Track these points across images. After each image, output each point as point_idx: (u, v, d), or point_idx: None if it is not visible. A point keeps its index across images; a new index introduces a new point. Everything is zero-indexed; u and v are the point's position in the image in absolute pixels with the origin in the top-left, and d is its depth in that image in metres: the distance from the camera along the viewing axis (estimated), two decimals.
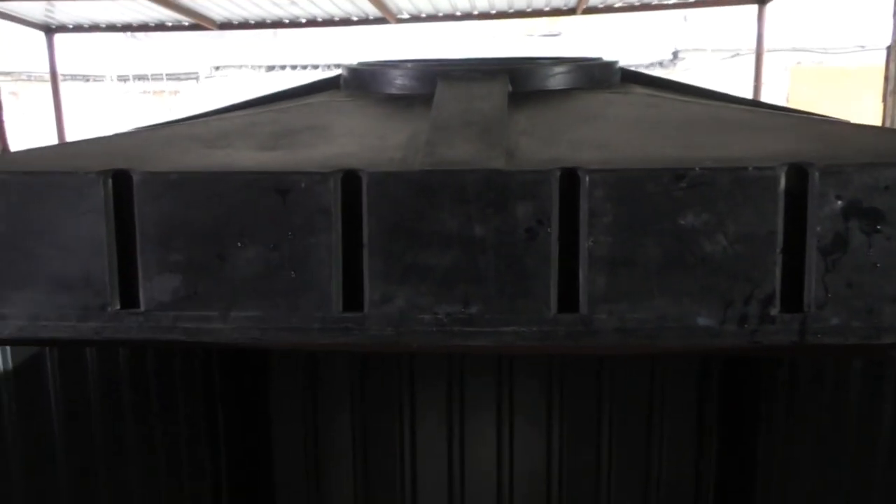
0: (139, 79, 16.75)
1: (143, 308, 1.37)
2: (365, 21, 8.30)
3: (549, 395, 2.92)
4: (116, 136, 1.72)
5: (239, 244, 1.34)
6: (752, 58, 8.27)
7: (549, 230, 1.30)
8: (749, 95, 8.30)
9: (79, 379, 1.96)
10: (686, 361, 2.80)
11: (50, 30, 8.42)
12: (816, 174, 1.29)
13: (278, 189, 1.32)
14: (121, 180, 1.34)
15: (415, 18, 8.32)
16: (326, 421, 3.01)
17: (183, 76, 16.89)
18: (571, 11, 7.98)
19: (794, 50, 14.38)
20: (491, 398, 2.97)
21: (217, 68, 16.85)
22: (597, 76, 1.86)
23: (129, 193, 1.35)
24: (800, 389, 2.25)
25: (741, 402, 2.67)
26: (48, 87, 8.97)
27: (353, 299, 1.34)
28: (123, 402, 2.13)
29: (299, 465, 3.01)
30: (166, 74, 16.67)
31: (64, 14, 7.93)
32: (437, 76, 1.75)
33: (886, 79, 4.49)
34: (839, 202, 1.29)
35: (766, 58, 8.35)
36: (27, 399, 1.78)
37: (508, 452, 3.02)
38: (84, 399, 1.98)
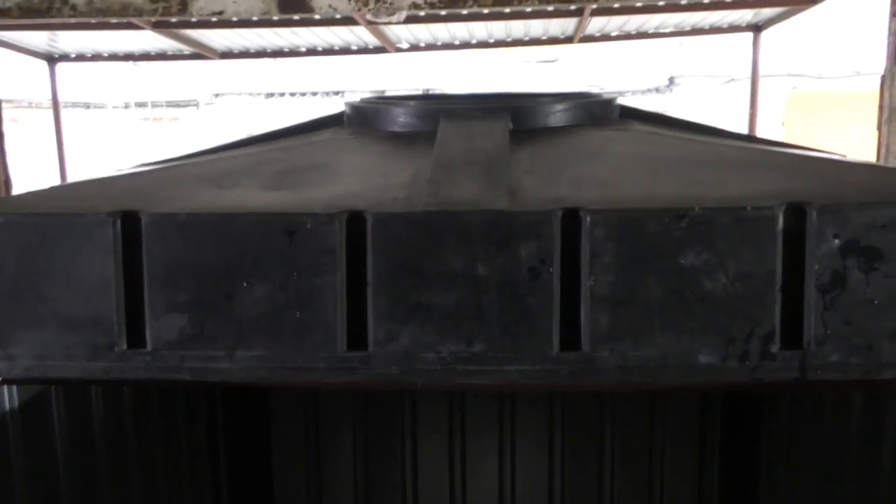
0: (139, 106, 16.85)
1: (150, 347, 1.38)
2: (364, 50, 8.36)
3: (550, 423, 2.93)
4: (124, 175, 1.74)
5: (246, 284, 1.35)
6: (748, 83, 8.34)
7: (551, 270, 1.32)
8: (745, 121, 8.35)
9: (84, 416, 1.97)
10: (688, 392, 2.81)
11: (52, 59, 8.48)
12: (814, 213, 1.31)
13: (285, 230, 1.34)
14: (129, 221, 1.37)
15: (414, 48, 8.38)
16: (327, 449, 3.01)
17: (183, 103, 16.98)
18: (569, 40, 8.05)
19: (790, 75, 14.49)
20: (493, 425, 2.97)
21: (217, 95, 16.95)
22: (596, 113, 1.89)
23: (137, 234, 1.37)
24: (801, 421, 2.25)
25: (743, 433, 2.68)
26: (48, 113, 9.03)
27: (357, 338, 1.36)
28: (127, 438, 2.14)
29: (300, 494, 3.01)
30: (166, 101, 16.76)
31: (66, 44, 7.99)
32: (439, 114, 1.77)
33: (881, 108, 4.53)
34: (837, 241, 1.32)
35: (762, 83, 8.41)
36: (33, 436, 1.79)
37: (510, 479, 3.01)
38: (89, 436, 1.99)
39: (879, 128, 4.63)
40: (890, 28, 4.63)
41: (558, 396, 2.89)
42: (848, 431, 1.99)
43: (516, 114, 1.78)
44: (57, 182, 8.13)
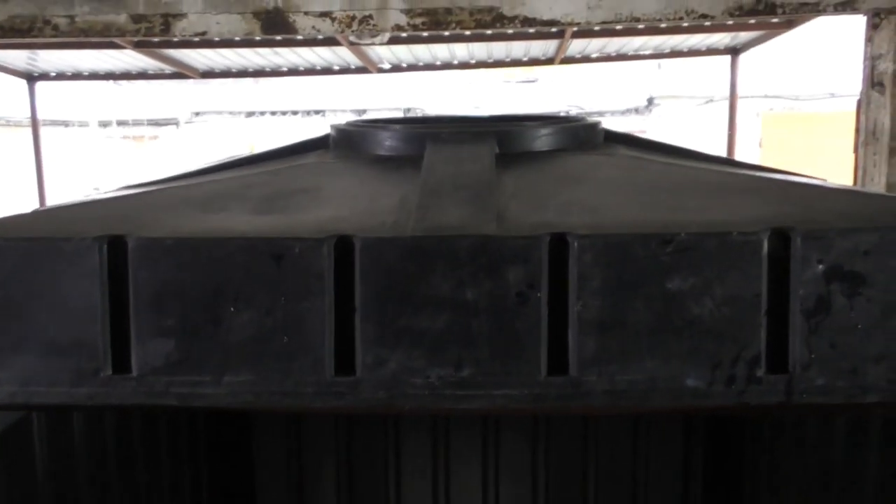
0: (120, 124, 16.78)
1: (135, 373, 1.37)
2: (346, 70, 8.39)
3: (534, 448, 2.92)
4: (109, 198, 1.73)
5: (233, 309, 1.35)
6: (726, 104, 8.44)
7: (539, 294, 1.33)
8: (723, 141, 8.45)
9: (65, 437, 1.95)
10: (671, 416, 2.82)
11: (32, 78, 8.43)
12: (798, 239, 1.32)
13: (273, 255, 1.34)
14: (116, 246, 1.36)
15: (396, 68, 8.42)
16: (311, 472, 2.98)
17: (163, 122, 16.93)
18: (549, 61, 8.12)
19: (767, 97, 14.68)
20: (477, 449, 2.96)
21: (197, 114, 16.92)
22: (582, 137, 1.90)
23: (123, 259, 1.36)
24: (784, 445, 2.27)
25: (726, 456, 2.69)
26: (27, 131, 8.97)
27: (345, 363, 1.36)
28: (109, 460, 2.11)
29: None
30: (147, 120, 16.71)
31: (46, 63, 7.96)
32: (425, 138, 1.78)
33: (857, 131, 4.60)
34: (821, 266, 1.33)
35: (740, 104, 8.52)
36: (13, 461, 1.76)
37: (494, 502, 3.00)
38: (70, 458, 1.96)
39: (856, 150, 4.70)
40: (865, 53, 4.71)
41: (542, 420, 2.89)
42: (831, 454, 2.00)
43: (502, 138, 1.79)
44: (36, 201, 8.06)
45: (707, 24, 5.56)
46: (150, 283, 1.35)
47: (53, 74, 8.53)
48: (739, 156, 7.94)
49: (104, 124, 16.66)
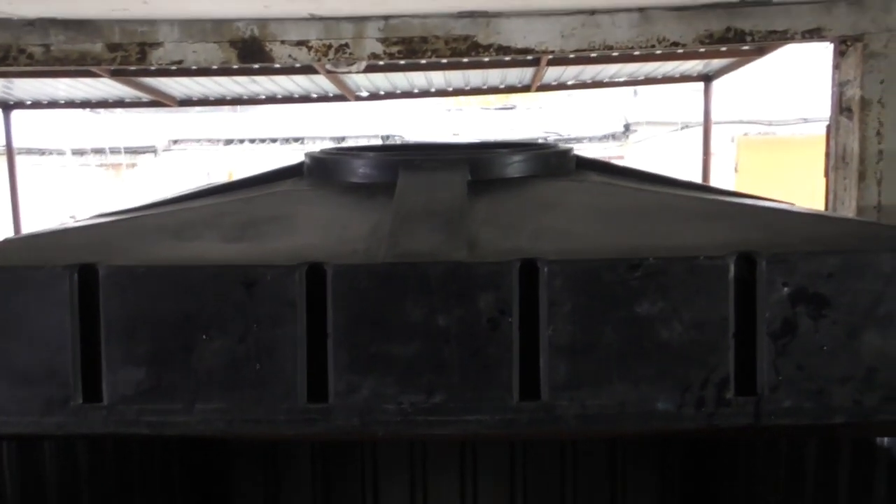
0: (97, 152, 16.68)
1: (106, 402, 1.36)
2: (324, 98, 8.42)
3: (512, 473, 2.92)
4: (81, 227, 1.73)
5: (205, 336, 1.35)
6: (701, 130, 8.55)
7: (510, 320, 1.34)
8: (699, 165, 8.54)
9: (36, 467, 1.92)
10: (647, 440, 2.83)
11: (7, 106, 8.38)
12: (763, 262, 1.35)
13: (244, 282, 1.34)
14: (87, 274, 1.36)
15: (373, 96, 8.46)
16: (288, 501, 2.96)
17: (141, 150, 16.86)
18: (526, 88, 8.19)
19: (741, 122, 14.88)
20: (455, 475, 2.95)
21: (175, 142, 16.87)
22: (553, 164, 1.93)
23: (94, 287, 1.35)
24: (757, 467, 2.28)
25: (702, 479, 2.70)
26: (2, 160, 8.91)
27: (318, 390, 1.36)
28: (81, 491, 2.09)
29: None
30: (124, 148, 16.63)
31: (22, 91, 7.92)
32: (398, 165, 1.80)
33: (827, 155, 4.68)
34: (786, 289, 1.35)
35: (714, 130, 8.63)
36: None
37: None
38: (41, 489, 1.94)
39: (827, 174, 4.77)
40: (833, 80, 4.80)
41: (519, 445, 2.89)
42: (803, 476, 2.02)
43: (474, 165, 1.81)
44: (11, 230, 7.99)
45: (679, 51, 5.64)
46: (121, 312, 1.35)
47: (29, 102, 8.49)
48: (716, 180, 8.03)
49: (81, 152, 16.56)
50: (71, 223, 1.87)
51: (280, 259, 1.37)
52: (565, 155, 1.99)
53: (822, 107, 6.38)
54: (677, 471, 2.83)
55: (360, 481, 2.91)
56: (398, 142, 14.43)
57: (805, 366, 1.37)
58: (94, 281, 1.36)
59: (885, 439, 1.74)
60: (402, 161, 1.81)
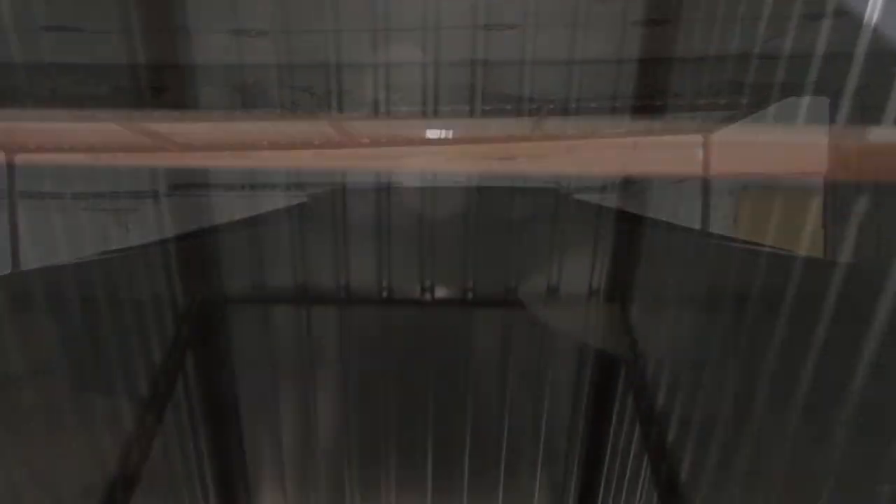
0: (97, 196, 16.69)
1: None
2: (327, 144, 8.47)
3: None
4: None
5: None
6: (700, 182, 8.56)
7: None
8: (698, 216, 8.56)
9: None
10: None
11: (11, 151, 8.41)
12: None
13: None
14: None
15: (374, 143, 8.51)
16: None
17: (142, 194, 16.86)
18: (527, 138, 8.25)
19: (741, 174, 14.93)
20: None
21: (176, 187, 16.90)
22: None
23: None
24: None
25: None
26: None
27: None
28: None
29: None
30: (124, 192, 16.63)
31: (27, 137, 7.96)
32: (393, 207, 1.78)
33: (825, 208, 4.68)
34: None
35: (713, 183, 8.65)
36: None
37: None
38: None
39: (825, 226, 4.77)
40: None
41: None
42: None
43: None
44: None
45: (679, 103, 5.69)
46: None
47: (33, 147, 8.52)
48: (715, 230, 8.03)
49: (81, 196, 16.59)
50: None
51: None
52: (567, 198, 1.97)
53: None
54: None
55: None
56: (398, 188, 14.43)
57: None
58: None
59: None
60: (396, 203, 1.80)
